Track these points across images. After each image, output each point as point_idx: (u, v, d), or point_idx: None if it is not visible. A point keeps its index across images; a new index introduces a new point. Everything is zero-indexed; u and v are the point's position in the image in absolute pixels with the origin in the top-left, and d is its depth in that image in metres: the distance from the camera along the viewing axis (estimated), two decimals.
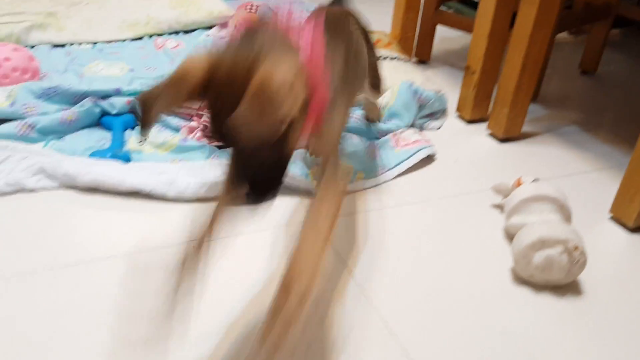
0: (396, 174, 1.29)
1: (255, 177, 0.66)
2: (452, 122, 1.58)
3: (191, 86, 0.63)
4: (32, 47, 1.81)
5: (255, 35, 0.65)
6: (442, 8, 1.94)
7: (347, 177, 0.77)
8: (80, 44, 1.88)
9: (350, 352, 0.84)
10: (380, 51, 1.69)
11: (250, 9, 1.98)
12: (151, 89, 0.63)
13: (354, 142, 1.36)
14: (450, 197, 1.24)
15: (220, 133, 0.64)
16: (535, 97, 1.71)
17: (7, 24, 1.79)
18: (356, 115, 1.42)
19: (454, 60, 2.06)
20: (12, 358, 0.79)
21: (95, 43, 1.91)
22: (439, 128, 1.54)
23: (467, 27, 1.86)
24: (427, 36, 1.96)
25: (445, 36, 2.24)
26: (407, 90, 1.45)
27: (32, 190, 1.15)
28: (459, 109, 1.60)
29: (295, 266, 0.66)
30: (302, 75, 0.64)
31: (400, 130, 1.42)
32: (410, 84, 1.48)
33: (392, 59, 1.67)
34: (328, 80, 0.71)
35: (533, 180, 1.13)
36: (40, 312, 0.87)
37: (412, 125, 1.47)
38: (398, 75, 1.57)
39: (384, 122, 1.43)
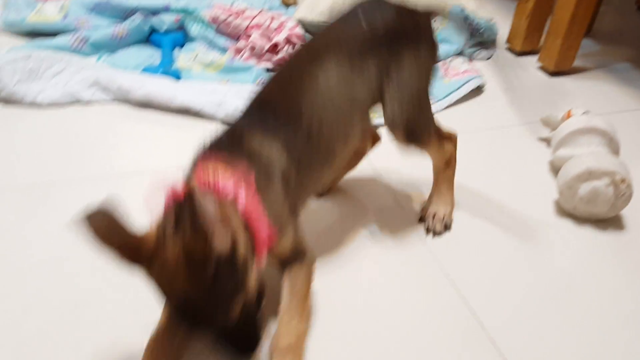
0: (446, 105, 1.28)
1: (234, 337, 0.65)
2: (502, 53, 1.55)
3: (138, 251, 0.58)
4: None
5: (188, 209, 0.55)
6: None
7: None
8: None
9: (393, 270, 0.87)
10: None
11: None
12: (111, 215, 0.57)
13: None
14: (496, 128, 1.24)
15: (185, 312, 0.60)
16: (588, 32, 1.65)
17: None
18: None
19: None
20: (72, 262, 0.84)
21: None
22: (489, 58, 1.51)
23: None
24: None
25: None
26: (458, 15, 1.42)
27: (87, 103, 1.19)
28: (509, 39, 1.56)
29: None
30: (241, 230, 0.61)
31: (449, 58, 1.40)
32: (462, 9, 1.44)
33: None
34: (266, 219, 0.64)
35: (583, 113, 1.11)
36: None
37: (460, 54, 1.44)
38: (449, 0, 1.53)
39: None
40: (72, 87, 1.18)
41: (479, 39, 1.49)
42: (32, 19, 1.37)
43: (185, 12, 1.43)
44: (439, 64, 1.37)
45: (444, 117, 1.23)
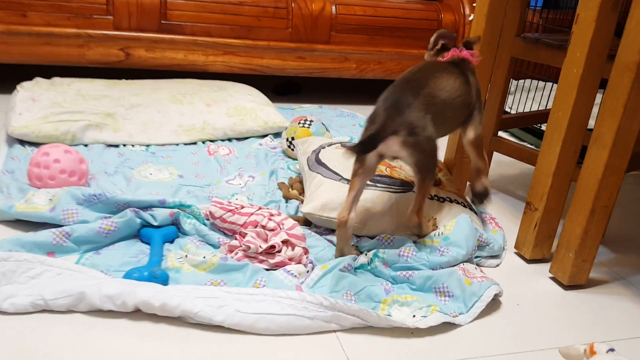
0: (470, 319, 1.19)
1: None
2: (510, 259, 1.46)
3: None
4: (86, 145, 1.83)
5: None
6: (501, 134, 1.88)
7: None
8: (133, 145, 1.89)
9: None
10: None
11: (304, 123, 1.97)
12: None
13: (423, 275, 1.25)
14: (515, 354, 1.11)
15: None
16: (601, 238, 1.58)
17: (65, 122, 1.81)
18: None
19: (511, 187, 1.97)
20: None
21: (148, 145, 1.91)
22: (497, 266, 1.42)
23: (527, 158, 1.78)
24: None
25: (502, 160, 2.17)
26: (466, 223, 1.36)
27: (56, 312, 1.08)
28: (517, 246, 1.48)
29: None
30: None
31: (460, 263, 1.31)
32: (469, 218, 1.38)
33: (442, 199, 1.56)
34: None
35: (608, 350, 0.99)
36: None
37: (467, 261, 1.35)
38: (452, 211, 1.48)
39: (442, 253, 1.31)
40: (44, 294, 1.07)
41: (490, 253, 1.42)
42: (20, 207, 1.32)
43: (182, 206, 1.38)
44: (456, 267, 1.29)
45: (463, 335, 1.12)
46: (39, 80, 2.09)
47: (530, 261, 1.46)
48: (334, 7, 2.70)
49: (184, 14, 2.47)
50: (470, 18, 2.81)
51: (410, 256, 1.28)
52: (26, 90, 1.96)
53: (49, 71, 2.36)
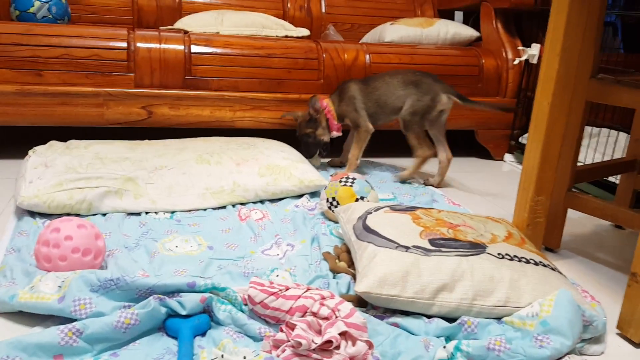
0: None
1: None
2: (614, 343, 1.19)
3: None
4: (104, 215, 1.63)
5: None
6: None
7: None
8: (157, 212, 1.68)
9: None
10: (507, 248, 1.35)
11: (346, 181, 1.75)
12: None
13: None
14: None
15: None
16: None
17: (81, 189, 1.62)
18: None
19: (587, 248, 1.71)
20: None
21: (173, 212, 1.71)
22: (602, 353, 1.15)
23: (612, 217, 1.53)
24: (557, 221, 1.63)
25: (569, 216, 1.91)
26: (569, 302, 1.10)
27: None
28: (621, 326, 1.21)
29: None
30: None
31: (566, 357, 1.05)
32: (571, 295, 1.12)
33: (525, 260, 1.31)
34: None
35: None
36: None
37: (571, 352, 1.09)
38: (540, 276, 1.23)
39: (541, 345, 1.04)
40: None
41: (593, 334, 1.15)
42: (24, 297, 1.10)
43: (215, 290, 1.15)
44: None
45: None
46: (53, 143, 1.91)
47: (639, 345, 1.19)
48: (367, 56, 2.53)
49: (210, 68, 2.32)
50: (515, 62, 2.61)
51: (503, 350, 1.02)
52: (39, 155, 1.77)
53: (65, 134, 2.19)
